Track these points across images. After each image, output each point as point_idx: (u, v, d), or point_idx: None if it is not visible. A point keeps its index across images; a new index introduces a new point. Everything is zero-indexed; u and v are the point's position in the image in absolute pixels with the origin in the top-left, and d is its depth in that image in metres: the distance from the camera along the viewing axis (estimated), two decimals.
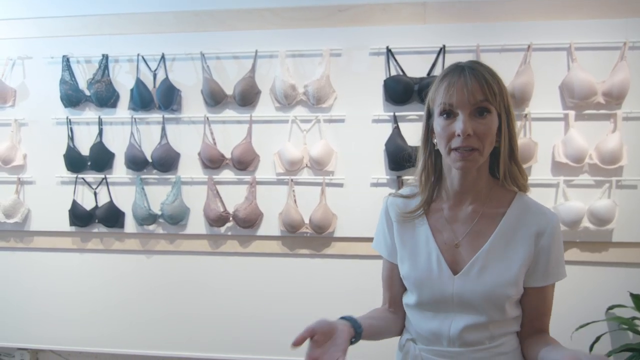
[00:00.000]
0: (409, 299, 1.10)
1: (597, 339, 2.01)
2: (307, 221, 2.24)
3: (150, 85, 2.31)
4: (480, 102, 0.93)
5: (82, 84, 2.37)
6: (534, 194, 1.09)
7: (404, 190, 1.15)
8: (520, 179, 1.03)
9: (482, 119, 0.94)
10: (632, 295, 2.07)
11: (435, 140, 1.02)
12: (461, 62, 0.99)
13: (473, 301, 1.00)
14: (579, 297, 2.13)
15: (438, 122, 0.98)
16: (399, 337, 1.19)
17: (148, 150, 2.33)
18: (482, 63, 0.99)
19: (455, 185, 1.04)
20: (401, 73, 2.17)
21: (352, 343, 0.98)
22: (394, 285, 1.16)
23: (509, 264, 0.99)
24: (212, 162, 2.28)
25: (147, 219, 2.32)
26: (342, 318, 1.02)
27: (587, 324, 2.02)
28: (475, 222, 1.03)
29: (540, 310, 1.05)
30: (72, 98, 2.34)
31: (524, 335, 1.07)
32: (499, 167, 1.02)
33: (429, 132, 1.05)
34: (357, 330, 0.99)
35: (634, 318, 2.04)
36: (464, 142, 0.93)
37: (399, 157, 2.13)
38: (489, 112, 0.94)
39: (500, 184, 1.04)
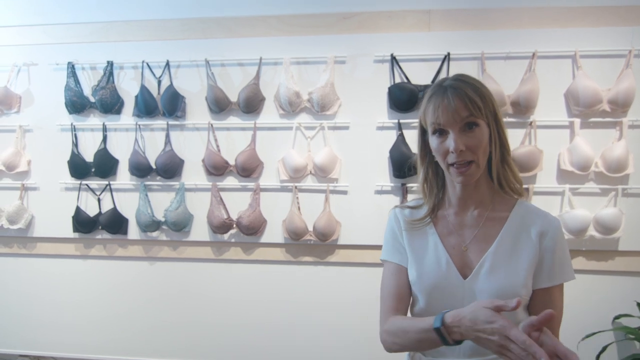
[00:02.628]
0: (416, 306, 1.10)
1: (604, 349, 1.99)
2: (310, 228, 2.23)
3: (154, 92, 2.32)
4: (466, 117, 0.97)
5: (87, 91, 2.38)
6: (539, 201, 1.10)
7: (410, 202, 1.18)
8: (513, 183, 1.06)
9: (471, 132, 0.98)
10: (639, 304, 2.06)
11: (433, 153, 1.06)
12: (445, 81, 1.03)
13: None
14: (585, 307, 2.12)
15: (432, 140, 1.03)
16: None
17: (152, 156, 2.33)
18: (465, 77, 1.02)
19: (458, 193, 1.07)
20: (406, 80, 2.16)
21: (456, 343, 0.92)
22: (405, 295, 1.11)
23: (517, 264, 1.01)
24: (216, 168, 2.28)
25: (150, 225, 2.32)
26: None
27: (594, 333, 2.00)
28: (481, 225, 1.06)
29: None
30: (77, 104, 2.35)
31: None
32: (491, 173, 1.06)
33: (425, 145, 1.08)
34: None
35: None
36: (458, 158, 0.98)
37: (403, 165, 2.12)
38: (477, 125, 0.98)
39: (502, 190, 1.06)
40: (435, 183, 1.10)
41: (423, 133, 1.08)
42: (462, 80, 1.01)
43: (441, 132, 1.00)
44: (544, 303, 1.03)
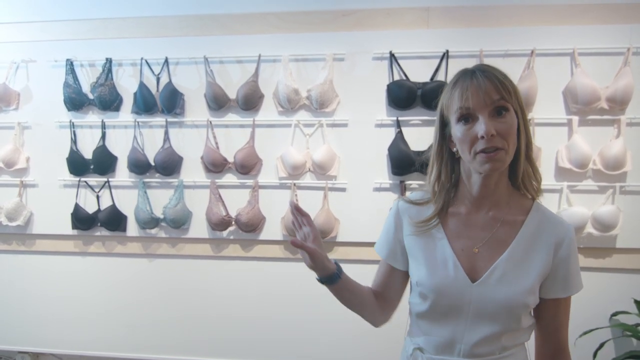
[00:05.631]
0: (420, 306, 1.07)
1: (601, 345, 2.00)
2: None
3: (153, 89, 2.32)
4: (497, 101, 0.92)
5: (86, 88, 2.37)
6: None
7: (416, 195, 1.12)
8: (534, 181, 1.02)
9: (501, 118, 0.92)
10: (636, 301, 2.07)
11: (455, 149, 1.00)
12: (469, 67, 0.98)
13: (491, 309, 0.98)
14: (583, 304, 2.09)
15: (457, 129, 0.95)
16: (404, 346, 1.17)
17: (151, 154, 2.33)
18: (490, 65, 0.98)
19: (474, 191, 1.02)
20: (404, 78, 2.16)
21: (326, 281, 1.08)
22: (387, 286, 1.16)
23: (527, 272, 0.98)
24: (215, 166, 2.28)
25: (149, 222, 2.32)
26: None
27: (591, 330, 2.01)
28: (496, 229, 1.01)
29: (558, 322, 1.04)
30: (76, 101, 2.35)
31: (542, 356, 1.07)
32: (513, 168, 1.01)
33: (444, 140, 1.03)
34: (337, 272, 1.07)
35: (638, 325, 2.03)
36: (488, 144, 0.91)
37: (402, 162, 2.13)
38: (507, 111, 0.93)
39: (520, 191, 1.02)
40: (448, 182, 1.04)
41: (442, 127, 1.01)
42: (489, 66, 0.97)
43: (467, 119, 0.93)
44: (554, 312, 1.03)
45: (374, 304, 1.15)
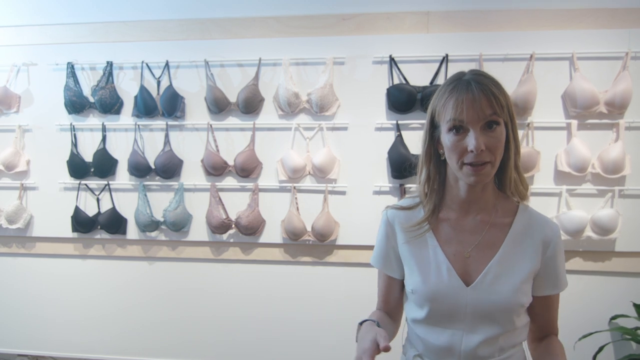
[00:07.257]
0: (417, 313, 1.07)
1: (600, 349, 2.00)
2: (309, 229, 2.24)
3: (154, 93, 2.32)
4: (489, 115, 0.92)
5: (87, 91, 2.38)
6: (536, 203, 1.11)
7: (404, 202, 1.13)
8: (521, 187, 1.03)
9: (492, 132, 0.93)
10: (635, 305, 2.07)
11: (441, 151, 1.01)
12: (464, 74, 0.97)
13: (488, 312, 0.99)
14: (582, 307, 2.13)
15: (448, 138, 0.96)
16: (402, 352, 1.17)
17: (151, 157, 2.34)
18: (484, 73, 0.97)
19: (462, 196, 1.03)
20: (404, 81, 2.17)
21: None
22: (391, 297, 1.15)
23: (520, 272, 1.00)
24: (215, 169, 2.28)
25: (149, 225, 2.32)
26: (366, 321, 1.02)
27: (590, 334, 2.02)
28: (485, 232, 1.02)
29: (551, 316, 1.08)
30: (76, 104, 2.35)
31: (534, 339, 1.11)
32: (500, 176, 1.02)
33: (433, 142, 1.03)
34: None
35: (637, 328, 2.03)
36: (477, 158, 0.92)
37: (401, 165, 2.13)
38: (498, 125, 0.93)
39: (504, 194, 1.04)
40: (437, 184, 1.05)
41: (433, 129, 1.02)
42: (483, 75, 0.95)
43: (459, 129, 0.93)
44: (546, 308, 1.07)
45: (392, 325, 1.15)
